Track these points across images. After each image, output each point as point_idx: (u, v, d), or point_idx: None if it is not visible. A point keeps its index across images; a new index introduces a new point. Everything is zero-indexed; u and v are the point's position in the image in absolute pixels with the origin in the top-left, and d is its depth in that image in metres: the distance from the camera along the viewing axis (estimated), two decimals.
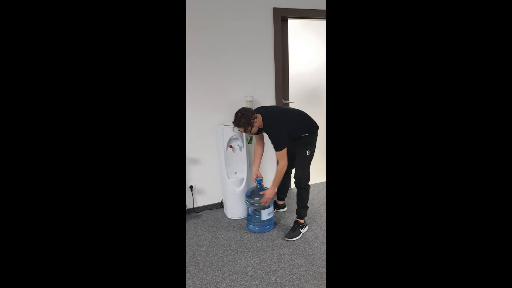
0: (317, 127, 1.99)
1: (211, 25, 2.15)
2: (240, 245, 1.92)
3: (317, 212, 2.33)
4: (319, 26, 2.77)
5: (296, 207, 2.05)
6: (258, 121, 1.84)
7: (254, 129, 1.86)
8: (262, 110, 1.92)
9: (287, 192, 2.36)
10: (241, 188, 2.25)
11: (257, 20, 2.26)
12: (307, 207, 2.06)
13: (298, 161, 1.98)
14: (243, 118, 1.79)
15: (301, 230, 2.02)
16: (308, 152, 1.95)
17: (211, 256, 1.81)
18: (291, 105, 2.63)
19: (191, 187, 2.35)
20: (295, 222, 2.05)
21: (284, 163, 1.85)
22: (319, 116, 2.74)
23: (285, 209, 2.40)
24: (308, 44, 2.80)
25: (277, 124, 1.86)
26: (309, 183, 2.02)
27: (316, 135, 2.01)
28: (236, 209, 2.28)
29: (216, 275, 1.63)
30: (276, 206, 2.36)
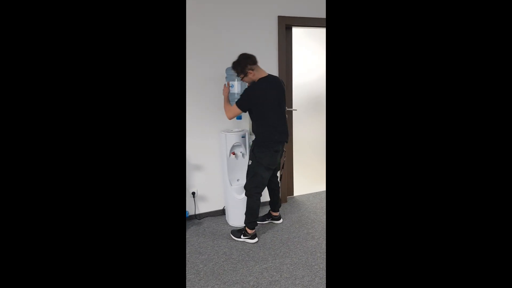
0: (270, 145, 1.87)
1: (216, 32, 2.17)
2: (241, 254, 1.90)
3: (320, 221, 2.30)
4: (323, 35, 2.79)
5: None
6: (255, 75, 1.83)
7: (247, 80, 1.84)
8: (268, 81, 1.87)
9: (276, 202, 2.22)
10: (243, 196, 2.23)
11: (261, 28, 2.28)
12: (250, 218, 1.98)
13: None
14: (238, 62, 1.83)
15: (242, 236, 2.03)
16: (250, 162, 1.96)
17: (212, 265, 1.79)
18: (294, 113, 2.63)
19: (193, 193, 2.34)
20: (244, 227, 2.04)
21: (228, 115, 1.91)
22: (322, 124, 2.75)
23: (281, 220, 2.28)
24: (312, 52, 2.81)
25: (264, 95, 1.82)
26: (258, 193, 1.96)
27: (260, 151, 1.89)
28: (238, 217, 2.26)
29: (217, 284, 1.61)
30: (270, 217, 2.29)
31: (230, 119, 1.96)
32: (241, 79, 1.90)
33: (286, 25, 2.34)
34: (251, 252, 1.92)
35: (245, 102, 1.84)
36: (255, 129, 1.92)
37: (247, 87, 1.88)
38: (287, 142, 2.00)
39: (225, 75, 2.15)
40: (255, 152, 1.92)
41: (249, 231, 2.01)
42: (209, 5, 2.11)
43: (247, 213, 2.00)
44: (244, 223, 2.03)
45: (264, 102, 1.83)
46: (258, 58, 2.32)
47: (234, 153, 2.21)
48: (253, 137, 1.96)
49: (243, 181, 2.28)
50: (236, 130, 2.24)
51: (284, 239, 2.06)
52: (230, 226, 2.28)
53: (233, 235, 2.08)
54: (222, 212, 2.46)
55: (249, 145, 2.27)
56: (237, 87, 2.07)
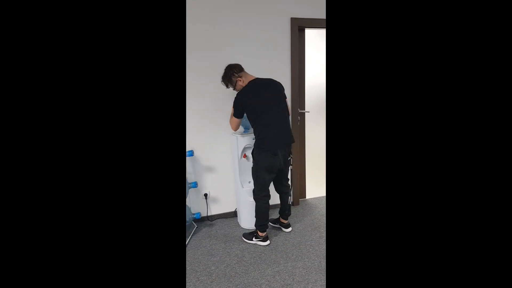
0: (267, 146, 1.83)
1: (229, 34, 2.18)
2: (253, 256, 1.89)
3: None
4: None
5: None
6: (244, 82, 1.85)
7: (238, 88, 1.88)
8: (255, 83, 1.85)
9: (284, 210, 2.15)
10: None
11: (274, 30, 2.28)
12: (260, 221, 1.98)
13: None
14: (224, 74, 1.88)
15: (254, 239, 2.04)
16: (252, 165, 1.95)
17: (224, 267, 1.79)
18: (307, 115, 2.61)
19: (205, 195, 2.36)
20: (256, 229, 2.04)
21: (231, 127, 1.96)
22: None
23: (289, 229, 2.19)
24: (325, 54, 2.79)
25: (253, 96, 1.80)
26: (266, 196, 1.95)
27: (258, 153, 1.86)
28: (249, 219, 2.26)
29: (229, 287, 1.61)
30: (278, 222, 2.23)
31: (234, 130, 1.98)
32: (234, 90, 1.93)
33: (299, 27, 2.33)
34: (263, 255, 1.91)
35: (236, 108, 1.85)
36: (254, 131, 1.91)
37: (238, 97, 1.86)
38: (291, 141, 1.93)
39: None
40: (254, 154, 1.93)
41: (260, 233, 2.01)
42: (221, 7, 2.12)
43: (256, 217, 1.99)
44: (255, 226, 2.02)
45: (254, 104, 1.81)
46: (271, 60, 2.33)
47: (245, 155, 2.21)
48: None
49: None
50: (248, 132, 2.24)
51: (297, 242, 2.04)
52: (242, 228, 2.28)
53: (244, 238, 2.08)
54: (234, 214, 2.46)
55: None
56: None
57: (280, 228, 2.22)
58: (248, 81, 1.86)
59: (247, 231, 2.15)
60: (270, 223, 2.23)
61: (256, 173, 1.92)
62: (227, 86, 1.92)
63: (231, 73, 1.86)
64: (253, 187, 2.25)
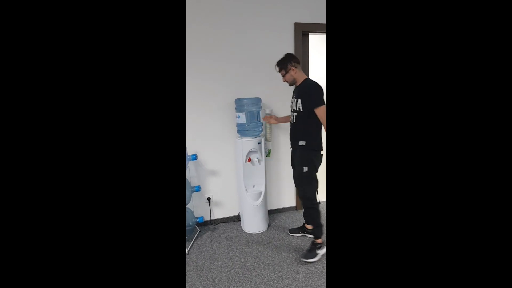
0: (317, 148, 1.87)
1: (233, 40, 2.19)
2: (257, 261, 1.88)
3: None
4: None
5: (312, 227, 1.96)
6: (296, 73, 1.85)
7: (288, 77, 1.87)
8: (312, 81, 1.83)
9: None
10: (259, 202, 2.22)
11: (278, 35, 2.29)
12: (321, 226, 1.91)
13: (298, 178, 1.91)
14: (282, 58, 1.87)
15: (317, 251, 1.87)
16: (305, 169, 1.84)
17: (227, 271, 1.78)
18: None
19: (208, 198, 2.36)
20: (312, 242, 1.93)
21: (325, 118, 1.74)
22: None
23: None
24: None
25: (317, 91, 1.77)
26: (317, 200, 1.91)
27: (315, 155, 1.86)
28: (253, 223, 2.25)
29: None
30: (304, 230, 2.18)
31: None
32: (282, 76, 1.90)
33: (302, 32, 2.34)
34: (266, 259, 1.90)
35: (321, 96, 1.77)
36: (309, 131, 1.84)
37: (309, 87, 1.80)
38: None
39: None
40: (311, 156, 1.84)
41: (319, 241, 1.91)
42: (226, 11, 2.14)
43: (317, 221, 1.90)
44: (317, 234, 1.91)
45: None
46: (275, 64, 2.33)
47: (250, 159, 2.21)
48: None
49: (259, 187, 2.28)
50: (252, 135, 2.25)
51: (300, 246, 2.03)
52: (245, 232, 2.27)
53: (306, 258, 1.85)
54: (237, 218, 2.46)
55: (265, 151, 2.27)
56: (244, 117, 2.11)
57: (305, 236, 2.15)
58: (303, 77, 1.87)
59: (305, 250, 1.93)
60: (291, 233, 2.19)
61: (312, 175, 1.86)
62: (280, 70, 1.89)
63: (289, 61, 1.85)
64: (257, 191, 2.24)
